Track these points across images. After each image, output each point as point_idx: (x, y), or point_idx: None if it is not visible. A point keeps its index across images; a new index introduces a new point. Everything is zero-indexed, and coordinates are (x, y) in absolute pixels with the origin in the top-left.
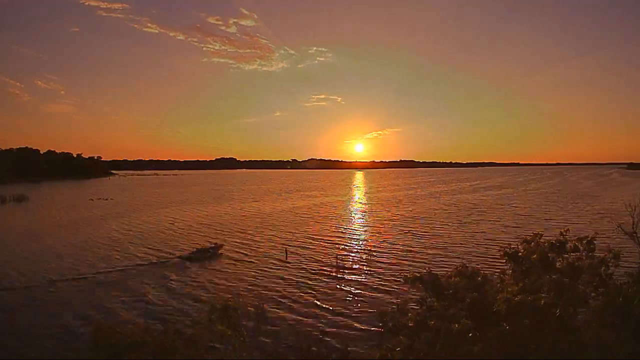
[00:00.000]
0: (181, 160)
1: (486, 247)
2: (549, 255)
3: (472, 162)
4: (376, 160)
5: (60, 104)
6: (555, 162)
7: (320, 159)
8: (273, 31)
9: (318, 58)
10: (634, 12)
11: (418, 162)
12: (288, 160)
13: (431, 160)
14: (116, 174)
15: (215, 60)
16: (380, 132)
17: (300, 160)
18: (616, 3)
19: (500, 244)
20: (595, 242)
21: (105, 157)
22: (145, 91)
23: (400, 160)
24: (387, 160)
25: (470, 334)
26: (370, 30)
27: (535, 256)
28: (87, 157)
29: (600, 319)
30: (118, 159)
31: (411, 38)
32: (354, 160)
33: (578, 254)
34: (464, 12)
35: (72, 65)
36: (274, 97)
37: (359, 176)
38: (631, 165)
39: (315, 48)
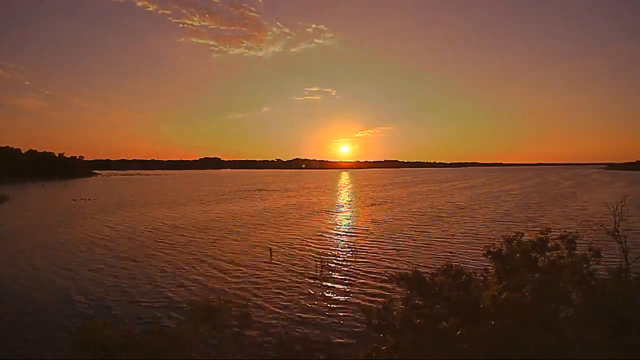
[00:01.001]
0: (165, 160)
1: (470, 246)
2: (531, 254)
3: (456, 162)
4: (361, 161)
5: (29, 98)
6: (536, 162)
7: (305, 159)
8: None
9: (316, 40)
10: (613, 16)
11: (402, 162)
12: (273, 160)
13: (415, 160)
14: (99, 174)
15: (194, 41)
16: (370, 130)
17: (285, 160)
18: (591, 7)
19: (484, 243)
20: (576, 240)
21: (86, 156)
22: (118, 83)
23: (385, 161)
24: (372, 161)
25: (458, 332)
26: (371, 19)
27: (517, 255)
28: (69, 156)
29: (582, 316)
30: (101, 159)
31: (409, 40)
32: (339, 161)
33: (560, 252)
34: (453, 20)
35: (32, 48)
36: (262, 90)
37: (344, 177)
38: (611, 166)
39: (314, 25)
